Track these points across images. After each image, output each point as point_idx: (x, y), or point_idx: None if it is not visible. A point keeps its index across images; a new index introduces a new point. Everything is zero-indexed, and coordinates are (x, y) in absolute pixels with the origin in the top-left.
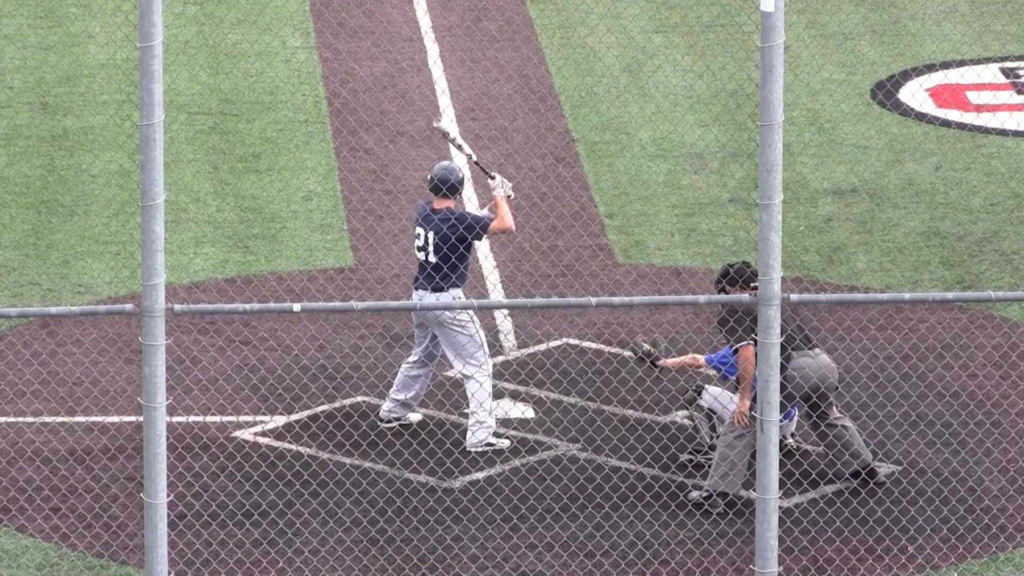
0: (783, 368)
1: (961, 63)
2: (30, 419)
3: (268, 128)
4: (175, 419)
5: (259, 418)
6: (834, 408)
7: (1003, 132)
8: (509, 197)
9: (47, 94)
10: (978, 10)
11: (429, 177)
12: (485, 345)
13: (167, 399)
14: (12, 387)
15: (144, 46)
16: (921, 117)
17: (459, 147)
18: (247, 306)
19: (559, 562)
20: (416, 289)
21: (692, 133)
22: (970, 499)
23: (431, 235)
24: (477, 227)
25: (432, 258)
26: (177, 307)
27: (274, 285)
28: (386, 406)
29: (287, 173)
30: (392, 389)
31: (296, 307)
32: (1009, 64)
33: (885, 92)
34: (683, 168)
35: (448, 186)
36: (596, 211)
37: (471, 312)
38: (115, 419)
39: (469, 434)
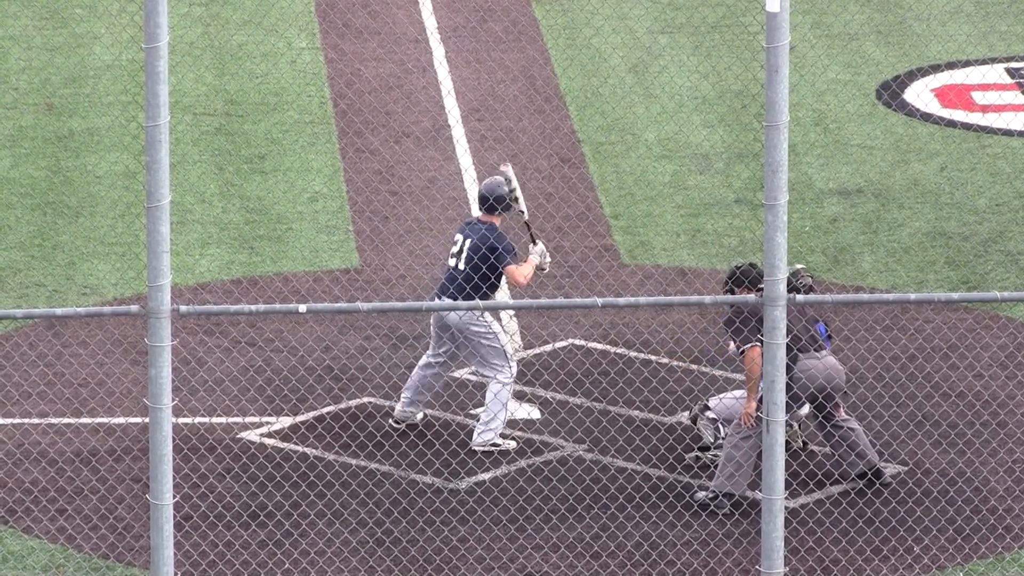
0: (789, 369)
1: (966, 63)
2: (36, 420)
3: (274, 129)
4: (181, 420)
5: (265, 419)
6: (841, 409)
7: (1008, 132)
8: (543, 270)
9: (52, 95)
10: (983, 10)
11: (478, 194)
12: (508, 349)
13: (173, 400)
14: (18, 388)
15: (149, 47)
16: (926, 117)
17: (515, 200)
18: (253, 307)
19: (565, 563)
20: (441, 295)
21: (698, 134)
22: (976, 499)
23: (467, 242)
24: (501, 251)
25: (462, 265)
26: (183, 308)
27: (280, 286)
28: (404, 408)
29: (293, 174)
30: (411, 391)
31: (302, 308)
32: (1014, 64)
33: (890, 92)
34: (688, 169)
35: (487, 205)
36: (602, 212)
37: (492, 320)
38: (121, 420)
39: (475, 433)
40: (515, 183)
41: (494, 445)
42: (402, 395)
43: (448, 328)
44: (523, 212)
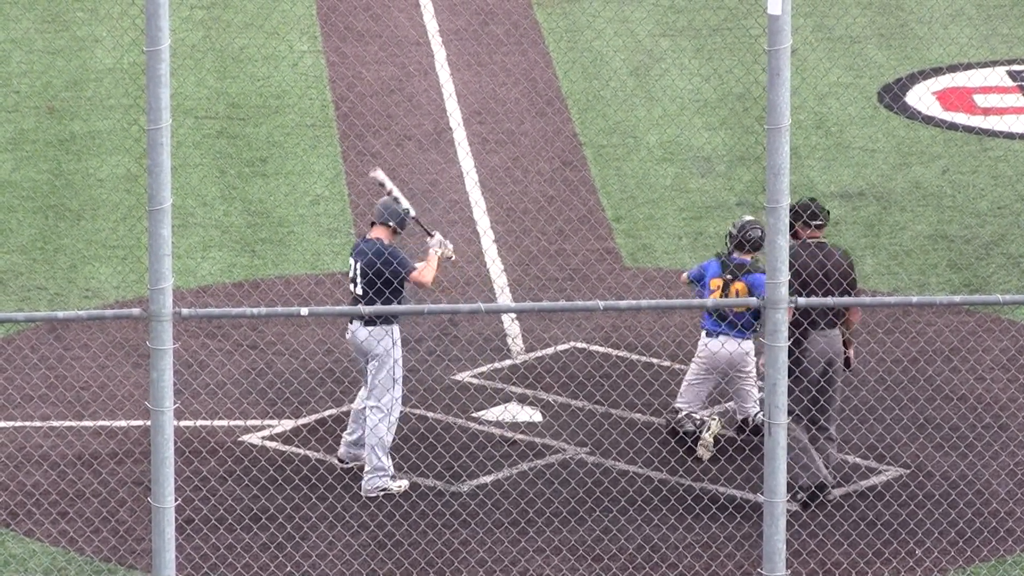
0: (799, 343)
1: (968, 66)
2: (38, 423)
3: (275, 132)
4: (183, 423)
5: (267, 422)
6: (836, 383)
7: (1010, 135)
8: (450, 258)
9: (54, 98)
10: (985, 13)
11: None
12: (400, 386)
13: (175, 403)
14: (20, 391)
15: (151, 50)
16: (928, 120)
17: (395, 200)
18: (254, 310)
19: (567, 566)
20: (350, 321)
21: (699, 137)
22: (978, 502)
23: (359, 265)
24: (396, 265)
25: (359, 289)
26: (185, 311)
27: (281, 289)
28: (346, 450)
29: (294, 177)
30: (349, 433)
31: (304, 311)
32: (1016, 67)
33: (892, 95)
34: (690, 172)
35: (381, 217)
36: (603, 215)
37: (397, 342)
38: (123, 423)
39: (364, 479)
40: (389, 185)
41: (383, 490)
42: (345, 434)
43: (364, 352)
44: (407, 210)
